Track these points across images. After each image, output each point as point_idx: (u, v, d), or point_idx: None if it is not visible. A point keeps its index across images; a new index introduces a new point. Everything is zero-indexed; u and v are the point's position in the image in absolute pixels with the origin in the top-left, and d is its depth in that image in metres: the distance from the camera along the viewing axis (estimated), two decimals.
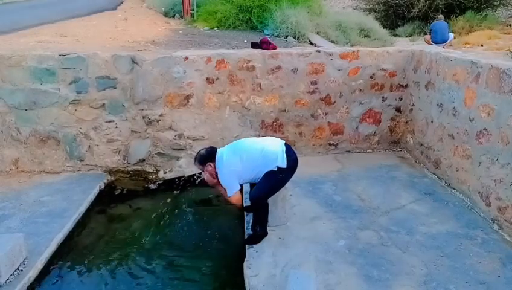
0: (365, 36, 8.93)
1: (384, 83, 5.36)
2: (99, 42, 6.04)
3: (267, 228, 3.61)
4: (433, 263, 3.26)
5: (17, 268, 3.18)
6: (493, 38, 9.68)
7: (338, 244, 3.52)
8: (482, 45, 9.03)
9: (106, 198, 4.71)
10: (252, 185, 3.56)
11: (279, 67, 5.11)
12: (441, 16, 10.59)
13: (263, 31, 7.99)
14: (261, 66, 5.08)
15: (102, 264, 3.60)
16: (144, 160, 5.13)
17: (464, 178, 4.24)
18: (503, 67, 3.68)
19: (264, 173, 3.37)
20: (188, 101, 5.04)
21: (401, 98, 5.47)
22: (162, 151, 5.12)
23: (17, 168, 5.01)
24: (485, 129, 3.89)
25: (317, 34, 8.05)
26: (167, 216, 4.38)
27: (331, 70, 5.21)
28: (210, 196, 4.67)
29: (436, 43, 9.47)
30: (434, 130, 4.79)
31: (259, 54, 5.09)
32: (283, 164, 3.36)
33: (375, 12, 14.49)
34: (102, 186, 4.82)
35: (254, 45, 5.47)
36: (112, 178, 5.02)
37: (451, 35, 10.02)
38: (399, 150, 5.63)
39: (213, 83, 5.04)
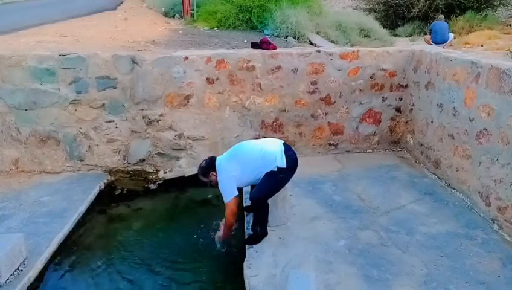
0: (365, 36, 8.92)
1: (384, 83, 5.36)
2: (99, 42, 6.04)
3: (267, 228, 3.61)
4: (433, 263, 3.26)
5: (17, 268, 3.18)
6: (493, 38, 9.67)
7: (338, 244, 3.52)
8: (482, 45, 9.02)
9: (106, 198, 4.71)
10: (253, 186, 3.56)
11: (279, 67, 5.11)
12: (441, 16, 10.58)
13: (263, 31, 7.98)
14: (261, 66, 5.08)
15: (102, 264, 3.60)
16: (143, 160, 5.13)
17: (464, 178, 4.24)
18: (503, 67, 3.68)
19: (264, 174, 3.37)
20: (188, 101, 5.04)
21: (401, 98, 5.47)
22: (162, 151, 5.12)
23: (17, 168, 5.01)
24: (485, 129, 3.89)
25: (317, 34, 8.05)
26: (167, 216, 4.38)
27: (331, 70, 5.21)
28: (210, 196, 4.67)
29: (436, 43, 9.45)
30: (434, 130, 4.79)
31: (259, 54, 5.09)
32: (282, 164, 3.36)
33: (375, 12, 14.47)
34: (102, 186, 4.83)
35: (254, 45, 5.47)
36: (112, 178, 5.02)
37: (451, 35, 10.01)
38: (399, 150, 5.63)
39: (213, 83, 5.04)
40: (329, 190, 4.50)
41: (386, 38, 9.42)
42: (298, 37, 7.51)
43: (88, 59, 4.80)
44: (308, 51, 5.22)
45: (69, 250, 3.75)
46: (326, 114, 5.36)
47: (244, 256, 3.40)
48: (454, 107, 4.37)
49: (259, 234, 3.56)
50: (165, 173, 5.13)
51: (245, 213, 3.95)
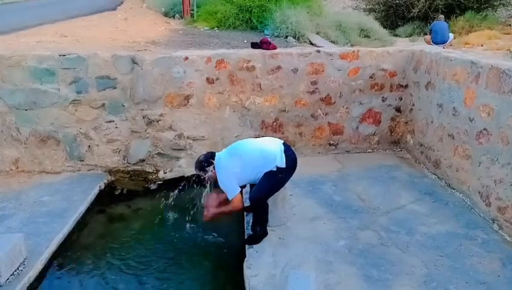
0: (365, 36, 8.92)
1: (384, 83, 5.36)
2: (99, 42, 6.04)
3: (267, 228, 3.61)
4: (433, 263, 3.26)
5: (17, 268, 3.18)
6: (493, 38, 9.67)
7: (338, 244, 3.52)
8: (482, 45, 9.02)
9: (106, 198, 4.71)
10: (252, 185, 3.56)
11: (279, 68, 5.11)
12: (441, 16, 10.58)
13: (263, 31, 7.98)
14: (261, 66, 5.08)
15: (102, 264, 3.59)
16: (144, 160, 5.13)
17: (464, 178, 4.24)
18: (503, 67, 3.68)
19: (263, 174, 3.37)
20: (188, 101, 5.04)
21: (401, 98, 5.47)
22: (162, 151, 5.12)
23: (17, 168, 5.01)
24: (485, 129, 3.89)
25: (317, 34, 8.05)
26: (167, 216, 4.38)
27: (331, 70, 5.21)
28: None
29: (436, 43, 9.45)
30: (434, 130, 4.79)
31: (259, 54, 5.09)
32: (282, 164, 3.36)
33: (375, 12, 14.47)
34: (102, 186, 4.83)
35: (254, 45, 5.47)
36: (112, 178, 5.02)
37: (451, 35, 10.01)
38: (399, 150, 5.63)
39: (213, 83, 5.04)
40: (329, 190, 4.50)
41: (386, 38, 9.43)
42: (298, 37, 7.52)
43: (88, 59, 4.80)
44: (308, 51, 5.22)
45: (69, 250, 3.74)
46: (326, 114, 5.36)
47: (244, 256, 3.40)
48: (454, 107, 4.37)
49: (259, 234, 3.55)
50: (165, 173, 5.13)
51: (245, 213, 3.94)
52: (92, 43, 5.88)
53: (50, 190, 4.56)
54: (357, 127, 5.49)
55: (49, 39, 6.16)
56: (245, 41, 6.84)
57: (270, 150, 3.40)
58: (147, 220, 4.33)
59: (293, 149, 3.62)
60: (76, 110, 4.93)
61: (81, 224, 4.11)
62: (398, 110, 5.51)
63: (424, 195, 4.37)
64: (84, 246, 3.86)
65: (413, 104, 5.28)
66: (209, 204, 3.55)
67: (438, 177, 4.72)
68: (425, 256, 3.35)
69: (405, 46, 7.05)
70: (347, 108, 5.38)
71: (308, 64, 5.15)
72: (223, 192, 3.46)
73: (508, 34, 10.70)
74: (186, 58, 4.93)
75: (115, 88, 4.92)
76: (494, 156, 3.76)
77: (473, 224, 3.82)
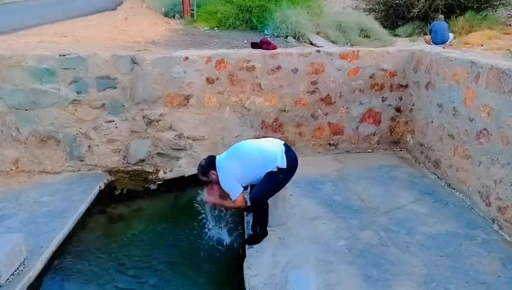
0: (365, 36, 8.92)
1: (384, 83, 5.36)
2: (99, 42, 6.04)
3: (267, 228, 3.61)
4: (433, 263, 3.26)
5: (17, 268, 3.18)
6: (493, 38, 9.68)
7: (338, 244, 3.52)
8: (482, 45, 9.03)
9: (106, 198, 4.71)
10: (252, 186, 3.56)
11: (279, 67, 5.11)
12: (441, 16, 10.58)
13: (263, 31, 7.99)
14: (261, 66, 5.08)
15: (102, 264, 3.60)
16: (144, 160, 5.13)
17: (464, 178, 4.24)
18: (503, 67, 3.68)
19: (264, 174, 3.37)
20: (188, 101, 5.04)
21: (401, 98, 5.47)
22: (162, 151, 5.12)
23: (17, 168, 5.01)
24: (485, 129, 3.88)
25: (317, 34, 8.05)
26: (167, 216, 4.38)
27: (331, 70, 5.21)
28: None
29: (436, 43, 9.45)
30: (434, 130, 4.79)
31: (259, 54, 5.09)
32: (283, 165, 3.36)
33: (375, 12, 14.47)
34: (102, 187, 4.83)
35: (254, 45, 5.47)
36: (112, 178, 5.02)
37: (451, 35, 10.01)
38: (399, 150, 5.63)
39: (213, 83, 5.04)
40: (329, 190, 4.50)
41: (386, 38, 9.43)
42: (298, 37, 7.52)
43: (88, 59, 4.80)
44: (308, 51, 5.22)
45: (69, 250, 3.75)
46: (326, 114, 5.36)
47: (244, 256, 3.40)
48: (454, 107, 4.37)
49: (259, 234, 3.56)
50: (165, 173, 5.13)
51: (245, 213, 3.94)
52: (92, 43, 5.88)
53: (50, 190, 4.56)
54: (357, 127, 5.49)
55: (49, 39, 6.16)
56: (245, 41, 6.84)
57: (270, 150, 3.41)
58: (146, 220, 4.33)
59: (293, 149, 3.62)
60: (76, 110, 4.93)
61: (81, 224, 4.11)
62: (398, 110, 5.51)
63: (424, 195, 4.37)
64: (84, 246, 3.86)
65: (413, 104, 5.28)
66: (210, 193, 3.55)
67: (438, 177, 4.72)
68: (425, 256, 3.35)
69: (405, 46, 7.04)
70: (347, 108, 5.38)
71: (308, 64, 5.15)
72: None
73: (508, 34, 10.71)
74: (186, 58, 4.93)
75: (115, 88, 4.92)
76: (494, 156, 3.76)
77: (473, 224, 3.82)
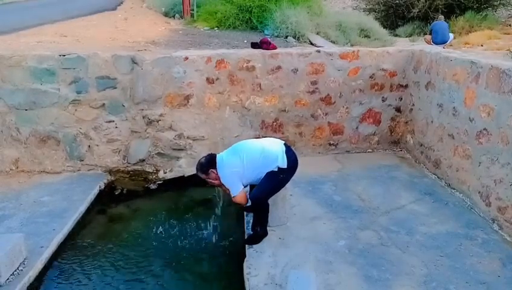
0: (365, 36, 8.92)
1: (384, 83, 5.36)
2: (99, 42, 6.04)
3: (267, 228, 3.61)
4: (433, 263, 3.26)
5: (17, 268, 3.18)
6: (493, 38, 9.66)
7: (338, 244, 3.52)
8: (482, 45, 9.01)
9: (106, 198, 4.71)
10: (252, 186, 3.56)
11: (279, 68, 5.11)
12: (441, 16, 10.57)
13: (263, 31, 7.98)
14: (261, 66, 5.08)
15: (102, 264, 3.60)
16: (144, 160, 5.13)
17: (464, 178, 4.24)
18: (503, 67, 3.68)
19: (264, 174, 3.37)
20: (188, 101, 5.04)
21: (401, 98, 5.47)
22: (162, 151, 5.12)
23: (17, 168, 5.01)
24: (485, 129, 3.89)
25: (317, 34, 8.05)
26: (167, 216, 4.38)
27: (331, 70, 5.21)
28: (210, 196, 4.67)
29: (436, 43, 9.44)
30: (434, 130, 4.79)
31: (259, 54, 5.09)
32: (283, 165, 3.36)
33: (375, 12, 14.46)
34: (102, 186, 4.83)
35: (254, 45, 5.47)
36: (112, 178, 5.02)
37: (451, 35, 10.01)
38: (399, 150, 5.63)
39: (213, 83, 5.04)
40: (329, 190, 4.50)
41: (386, 38, 9.42)
42: (298, 37, 7.52)
43: (88, 59, 4.80)
44: (308, 51, 5.22)
45: (69, 250, 3.75)
46: (326, 114, 5.36)
47: (244, 256, 3.40)
48: (454, 107, 4.37)
49: (259, 234, 3.56)
50: (165, 173, 5.13)
51: (245, 213, 3.94)
52: (92, 43, 5.88)
53: (50, 190, 4.56)
54: (357, 127, 5.49)
55: (49, 39, 6.16)
56: (245, 41, 6.84)
57: (271, 150, 3.41)
58: (147, 220, 4.33)
59: (293, 149, 3.62)
60: (76, 110, 4.93)
61: (81, 224, 4.11)
62: (398, 110, 5.51)
63: (424, 195, 4.37)
64: (84, 246, 3.86)
65: (413, 104, 5.28)
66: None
67: (438, 177, 4.72)
68: (425, 256, 3.35)
69: (405, 46, 7.04)
70: (347, 108, 5.38)
71: (308, 64, 5.15)
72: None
73: (508, 34, 10.70)
74: (186, 58, 4.93)
75: (115, 88, 4.92)
76: (494, 156, 3.76)
77: (473, 224, 3.82)
